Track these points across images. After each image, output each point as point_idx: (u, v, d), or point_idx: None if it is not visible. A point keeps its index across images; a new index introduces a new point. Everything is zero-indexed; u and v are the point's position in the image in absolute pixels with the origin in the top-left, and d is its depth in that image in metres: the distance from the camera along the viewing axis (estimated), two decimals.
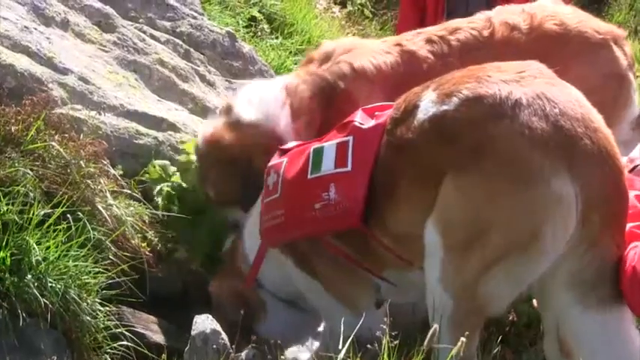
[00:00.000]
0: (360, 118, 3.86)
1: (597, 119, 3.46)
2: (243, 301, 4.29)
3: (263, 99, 4.71)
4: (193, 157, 4.94)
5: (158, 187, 4.92)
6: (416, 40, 4.73)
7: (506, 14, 4.78)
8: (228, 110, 4.81)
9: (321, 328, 4.53)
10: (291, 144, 4.24)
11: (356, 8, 11.39)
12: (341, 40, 5.31)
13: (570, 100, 3.43)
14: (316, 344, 4.51)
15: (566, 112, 3.35)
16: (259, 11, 8.88)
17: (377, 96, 4.49)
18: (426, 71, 4.56)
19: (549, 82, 3.53)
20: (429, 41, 4.70)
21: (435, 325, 3.24)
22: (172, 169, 5.00)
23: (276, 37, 8.73)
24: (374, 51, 4.71)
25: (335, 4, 11.91)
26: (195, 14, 6.89)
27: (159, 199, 4.90)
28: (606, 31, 4.77)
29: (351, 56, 4.70)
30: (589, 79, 4.41)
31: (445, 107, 3.49)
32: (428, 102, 3.58)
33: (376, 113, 3.86)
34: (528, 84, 3.45)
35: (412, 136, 3.59)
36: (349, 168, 3.75)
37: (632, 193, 3.68)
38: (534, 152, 3.27)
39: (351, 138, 3.81)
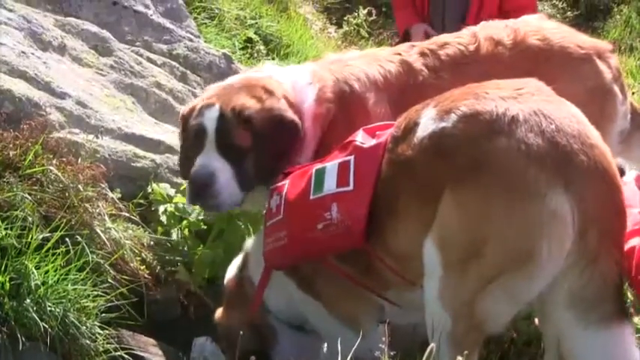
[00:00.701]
0: (362, 138, 3.87)
1: (594, 136, 3.47)
2: (254, 329, 4.26)
3: (292, 73, 4.57)
4: None
5: (162, 208, 4.93)
6: (411, 53, 4.73)
7: (491, 29, 4.79)
8: (261, 69, 4.69)
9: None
10: (292, 168, 4.21)
11: (352, 28, 11.43)
12: (344, 52, 5.26)
13: (567, 116, 3.44)
14: None
15: (562, 129, 3.36)
16: (255, 33, 8.93)
17: (384, 105, 4.50)
18: (421, 83, 4.58)
19: (546, 99, 3.54)
20: (422, 54, 4.70)
21: (433, 344, 3.24)
22: (172, 191, 5.02)
23: (273, 59, 8.77)
24: (379, 59, 4.71)
25: (331, 24, 11.97)
26: (192, 37, 6.93)
27: (164, 219, 4.90)
28: (589, 46, 4.78)
29: (361, 62, 4.66)
30: (572, 93, 4.41)
31: (443, 124, 3.51)
32: (427, 119, 3.59)
33: (377, 133, 3.88)
34: (525, 101, 3.46)
35: (412, 153, 3.60)
36: (351, 187, 3.74)
37: (634, 210, 3.70)
38: (530, 168, 3.27)
39: (352, 157, 3.81)
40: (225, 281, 4.54)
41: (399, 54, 4.73)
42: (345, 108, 4.50)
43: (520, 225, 3.28)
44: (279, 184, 4.09)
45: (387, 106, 4.46)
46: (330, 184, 3.82)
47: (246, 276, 4.40)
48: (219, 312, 4.50)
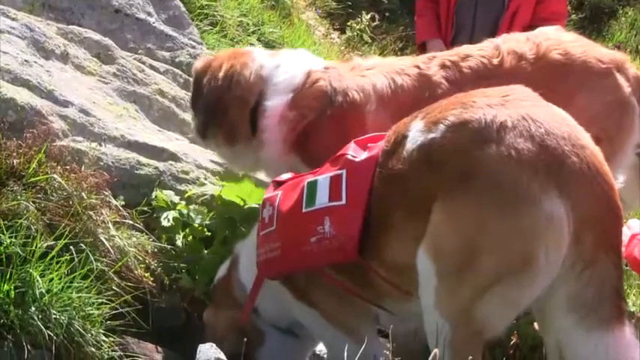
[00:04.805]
0: (353, 151, 3.86)
1: (584, 137, 3.45)
2: (240, 331, 4.25)
3: (288, 72, 4.72)
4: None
5: (165, 214, 4.93)
6: (430, 65, 4.71)
7: (513, 42, 4.75)
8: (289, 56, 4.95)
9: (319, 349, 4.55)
10: (284, 176, 4.22)
11: (355, 34, 11.44)
12: (369, 58, 5.25)
13: (556, 119, 3.43)
14: None
15: (551, 131, 3.35)
16: (258, 39, 8.94)
17: (386, 119, 4.48)
18: (440, 96, 4.52)
19: (534, 103, 3.54)
20: (443, 66, 4.66)
21: (436, 350, 3.22)
22: (176, 198, 5.02)
23: None
24: (396, 72, 4.68)
25: (334, 30, 12.00)
26: (194, 44, 6.95)
27: (167, 225, 4.91)
28: (609, 60, 4.75)
29: (374, 73, 4.68)
30: (593, 107, 4.44)
31: (432, 135, 3.51)
32: (416, 131, 3.59)
33: (368, 145, 3.87)
34: (513, 106, 3.45)
35: (402, 166, 3.60)
36: (343, 201, 3.74)
37: None
38: (522, 174, 3.26)
39: (344, 171, 3.80)
40: (215, 281, 4.57)
41: (418, 67, 4.71)
42: (336, 118, 4.50)
43: (516, 233, 3.26)
44: (272, 194, 4.10)
45: (390, 121, 4.45)
46: (322, 198, 3.82)
47: (235, 278, 4.42)
48: (207, 311, 4.52)
